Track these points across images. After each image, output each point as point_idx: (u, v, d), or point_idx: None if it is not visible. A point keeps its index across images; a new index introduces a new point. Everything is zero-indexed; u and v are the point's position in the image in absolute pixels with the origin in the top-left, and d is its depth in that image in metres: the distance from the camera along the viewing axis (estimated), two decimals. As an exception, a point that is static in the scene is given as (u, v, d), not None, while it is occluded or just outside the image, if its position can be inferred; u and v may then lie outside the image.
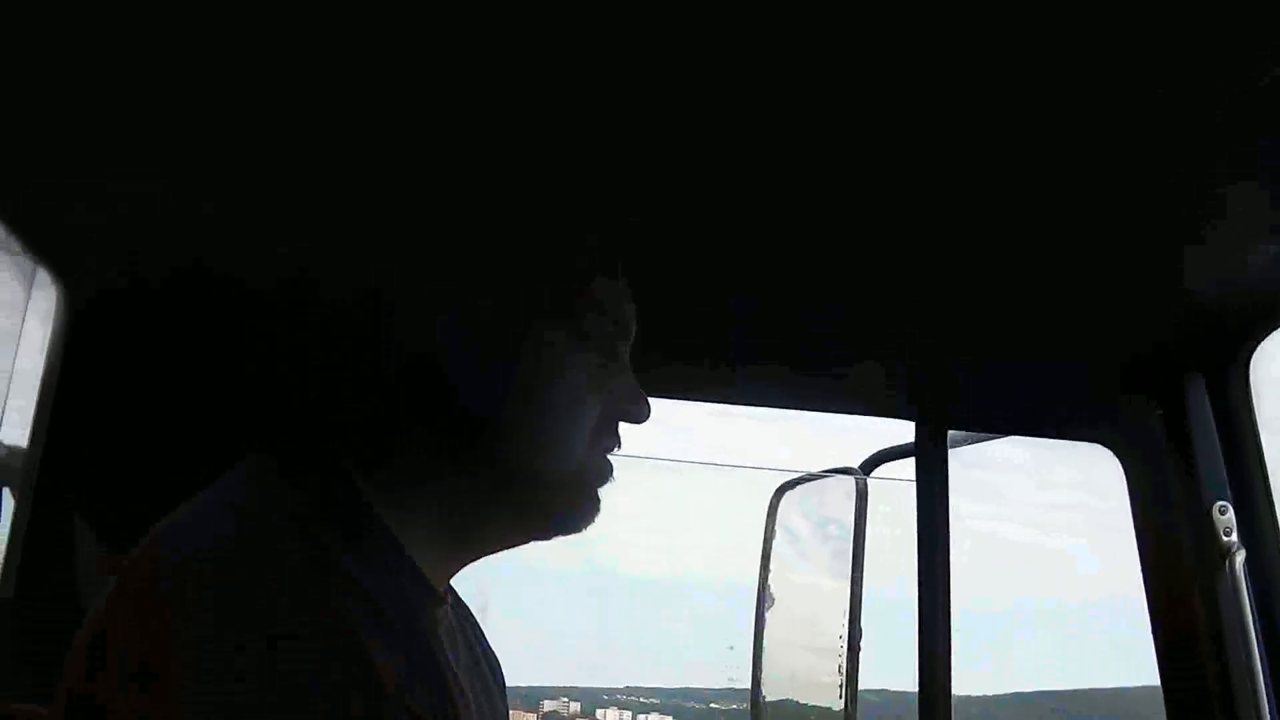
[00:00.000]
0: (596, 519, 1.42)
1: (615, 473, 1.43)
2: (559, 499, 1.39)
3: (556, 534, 1.42)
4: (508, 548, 1.45)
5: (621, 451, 1.43)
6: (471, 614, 1.65)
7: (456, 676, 1.34)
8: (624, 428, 1.43)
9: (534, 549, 1.44)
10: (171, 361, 1.96)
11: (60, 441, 1.89)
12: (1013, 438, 2.55)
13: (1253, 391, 2.20)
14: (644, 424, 1.45)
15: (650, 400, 1.44)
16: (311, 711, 1.06)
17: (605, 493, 1.40)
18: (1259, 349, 2.17)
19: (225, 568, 1.12)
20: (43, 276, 1.90)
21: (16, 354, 1.90)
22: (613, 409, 1.41)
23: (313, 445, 1.35)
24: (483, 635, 1.66)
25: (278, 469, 1.29)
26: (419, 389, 1.33)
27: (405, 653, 1.16)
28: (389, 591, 1.20)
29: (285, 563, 1.14)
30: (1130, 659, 2.37)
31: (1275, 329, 2.12)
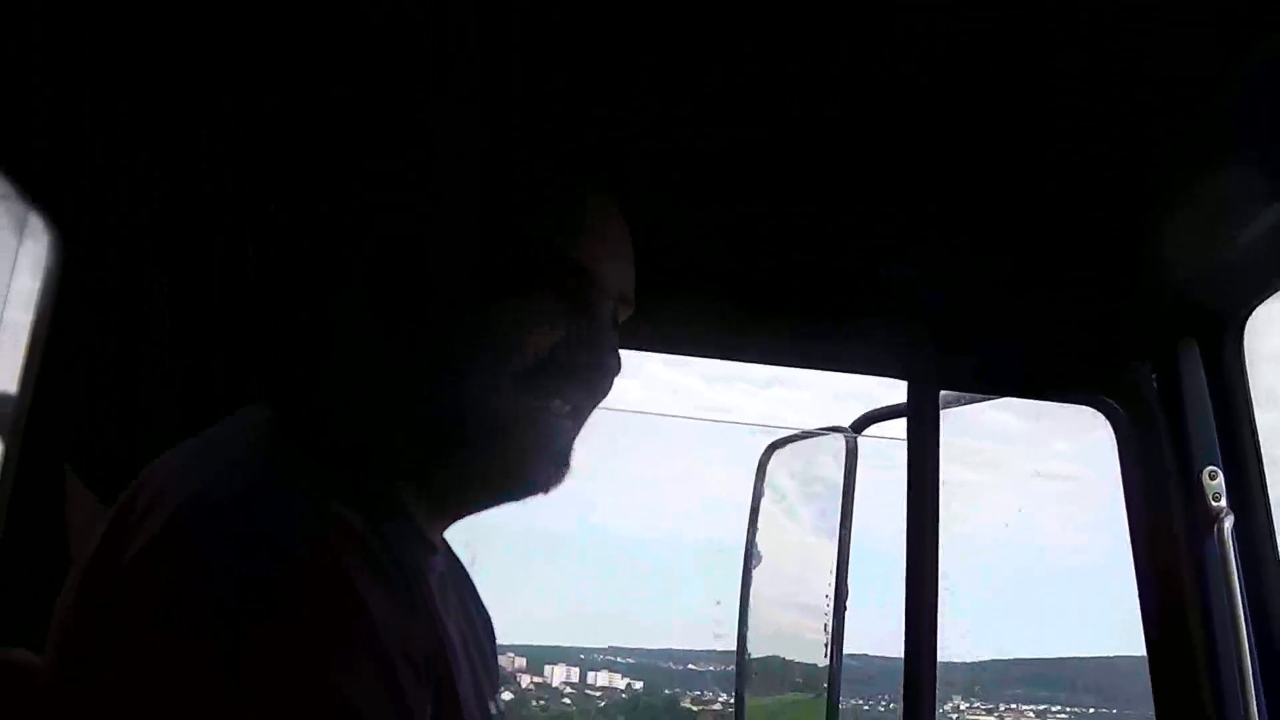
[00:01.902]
0: (559, 479, 1.43)
1: (584, 430, 1.45)
2: (502, 453, 1.40)
3: (516, 492, 1.44)
4: (489, 506, 1.49)
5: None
6: (463, 566, 1.70)
7: (445, 624, 1.38)
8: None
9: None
10: (165, 309, 1.99)
11: (50, 389, 1.92)
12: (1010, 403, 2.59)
13: (1246, 360, 2.24)
14: (616, 378, 1.46)
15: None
16: (303, 645, 1.10)
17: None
18: (1253, 316, 2.21)
19: (227, 511, 1.17)
20: (35, 222, 1.93)
21: (6, 302, 1.93)
22: (559, 358, 1.41)
23: (310, 398, 1.40)
24: (474, 587, 1.71)
25: (277, 418, 1.35)
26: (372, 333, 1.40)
27: (396, 596, 1.20)
28: (382, 535, 1.24)
29: (283, 507, 1.19)
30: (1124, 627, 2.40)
31: (1269, 296, 2.15)
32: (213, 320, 1.97)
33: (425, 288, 1.39)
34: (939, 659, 2.43)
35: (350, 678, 1.12)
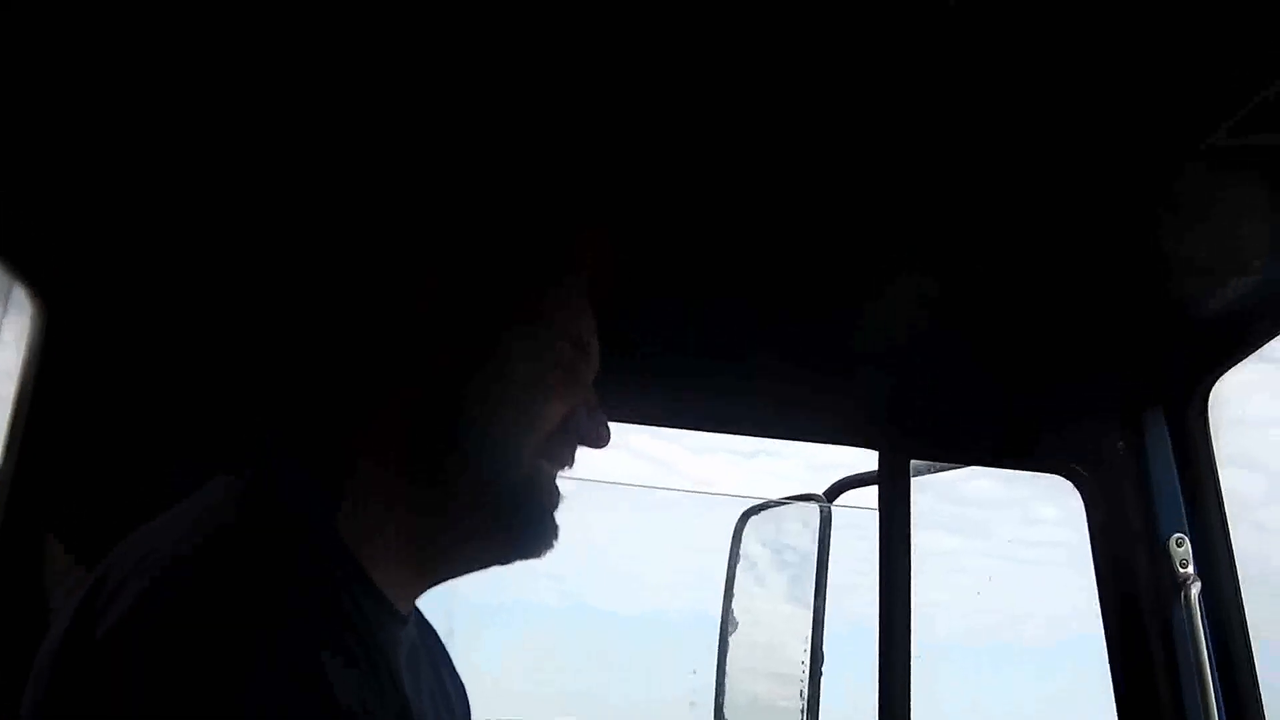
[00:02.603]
0: (554, 544, 1.48)
1: (567, 499, 1.49)
2: (515, 515, 1.45)
3: (517, 555, 1.49)
4: (471, 570, 1.52)
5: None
6: (438, 637, 1.72)
7: (411, 700, 1.39)
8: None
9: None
10: (144, 379, 2.01)
11: (34, 454, 1.94)
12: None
13: (1211, 427, 2.29)
14: (602, 448, 1.51)
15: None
16: None
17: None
18: (1218, 384, 2.26)
19: (196, 589, 1.19)
20: (19, 293, 1.95)
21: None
22: (571, 427, 1.48)
23: (281, 465, 1.43)
24: (449, 659, 1.73)
25: (246, 490, 1.37)
26: (381, 396, 1.42)
27: (359, 673, 1.23)
28: (348, 614, 1.27)
29: (250, 585, 1.20)
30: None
31: (1234, 364, 2.20)
32: (196, 386, 2.00)
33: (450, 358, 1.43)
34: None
35: None
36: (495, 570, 1.49)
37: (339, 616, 1.25)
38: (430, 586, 1.54)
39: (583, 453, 1.50)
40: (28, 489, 1.94)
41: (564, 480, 1.50)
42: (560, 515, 1.49)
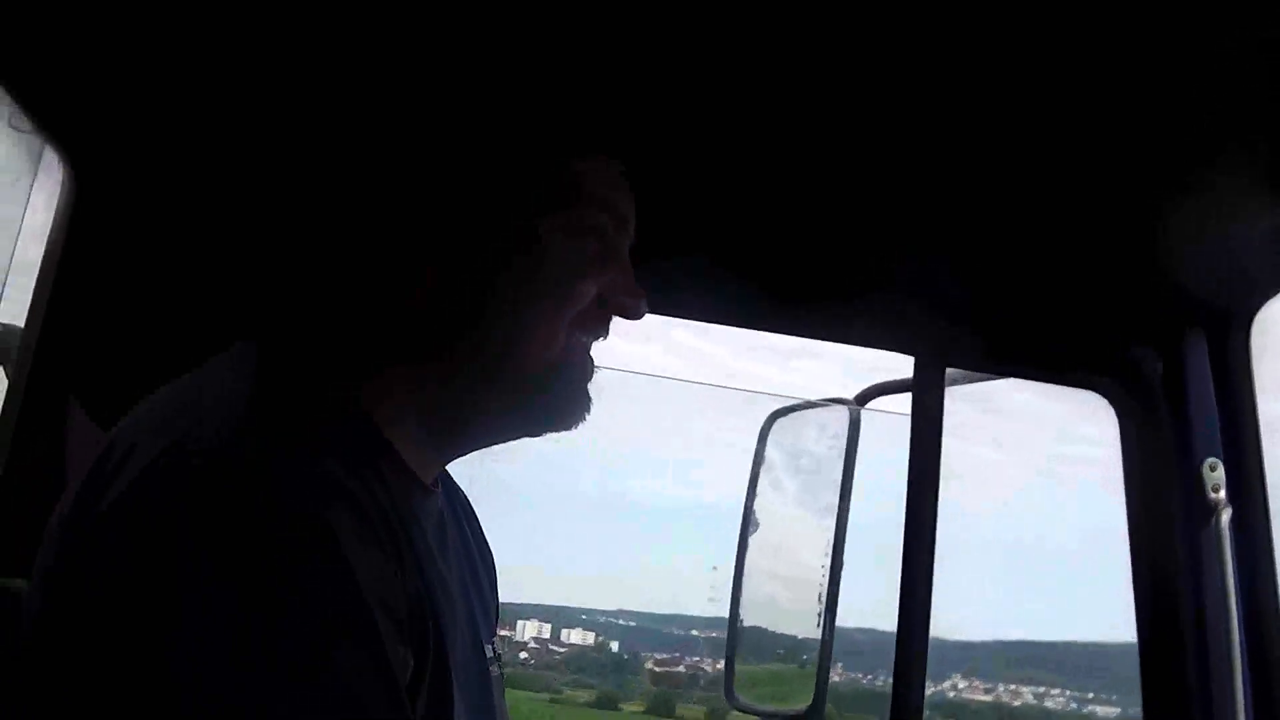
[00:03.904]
0: (587, 417, 1.52)
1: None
2: (546, 389, 1.47)
3: (547, 428, 1.52)
4: (500, 442, 1.55)
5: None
6: (466, 501, 1.76)
7: (437, 572, 1.42)
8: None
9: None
10: (174, 251, 2.04)
11: (59, 322, 1.97)
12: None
13: (1253, 353, 2.30)
14: (638, 319, 1.54)
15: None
16: (288, 609, 1.14)
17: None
18: (1263, 310, 2.26)
19: (204, 461, 1.20)
20: (50, 156, 1.97)
21: (20, 232, 1.98)
22: (607, 299, 1.51)
23: (303, 338, 1.46)
24: (478, 524, 1.77)
25: (265, 360, 1.39)
26: (411, 281, 1.43)
27: (380, 548, 1.24)
28: (372, 490, 1.28)
29: (269, 466, 1.21)
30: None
31: (1278, 293, 2.21)
32: (223, 254, 2.01)
33: (476, 223, 1.44)
34: (939, 637, 2.48)
35: (327, 634, 1.15)
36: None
37: (364, 494, 1.26)
38: (458, 457, 1.57)
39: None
40: (53, 351, 1.97)
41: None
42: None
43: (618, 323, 1.53)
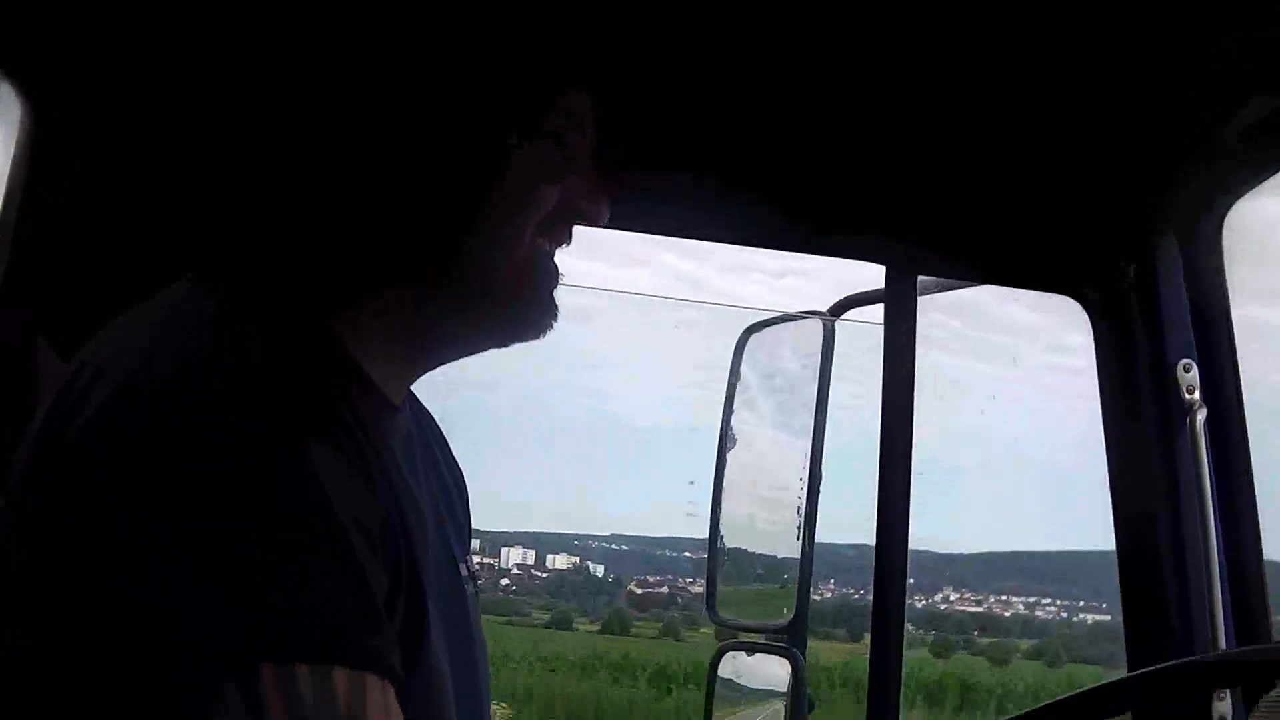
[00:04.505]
0: (553, 325, 1.52)
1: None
2: (514, 298, 1.47)
3: (516, 337, 1.53)
4: (467, 355, 1.55)
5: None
6: (433, 420, 1.76)
7: (406, 490, 1.43)
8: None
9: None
10: (137, 180, 2.03)
11: (21, 256, 1.97)
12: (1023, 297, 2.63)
13: (1225, 254, 2.31)
14: (600, 225, 1.55)
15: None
16: (260, 526, 1.14)
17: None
18: (1233, 210, 2.28)
19: (170, 384, 1.20)
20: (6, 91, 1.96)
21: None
22: (567, 205, 1.50)
23: (270, 262, 1.44)
24: (445, 444, 1.77)
25: (230, 283, 1.38)
26: (380, 203, 1.42)
27: (349, 464, 1.24)
28: (339, 409, 1.28)
29: (235, 386, 1.21)
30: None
31: (1250, 189, 2.22)
32: (187, 183, 2.01)
33: (438, 136, 1.43)
34: (931, 550, 2.51)
35: (301, 552, 1.15)
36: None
37: (331, 413, 1.26)
38: (425, 373, 1.57)
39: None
40: (16, 287, 1.97)
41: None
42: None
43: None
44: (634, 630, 28.88)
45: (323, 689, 1.12)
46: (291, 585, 1.14)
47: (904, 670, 2.53)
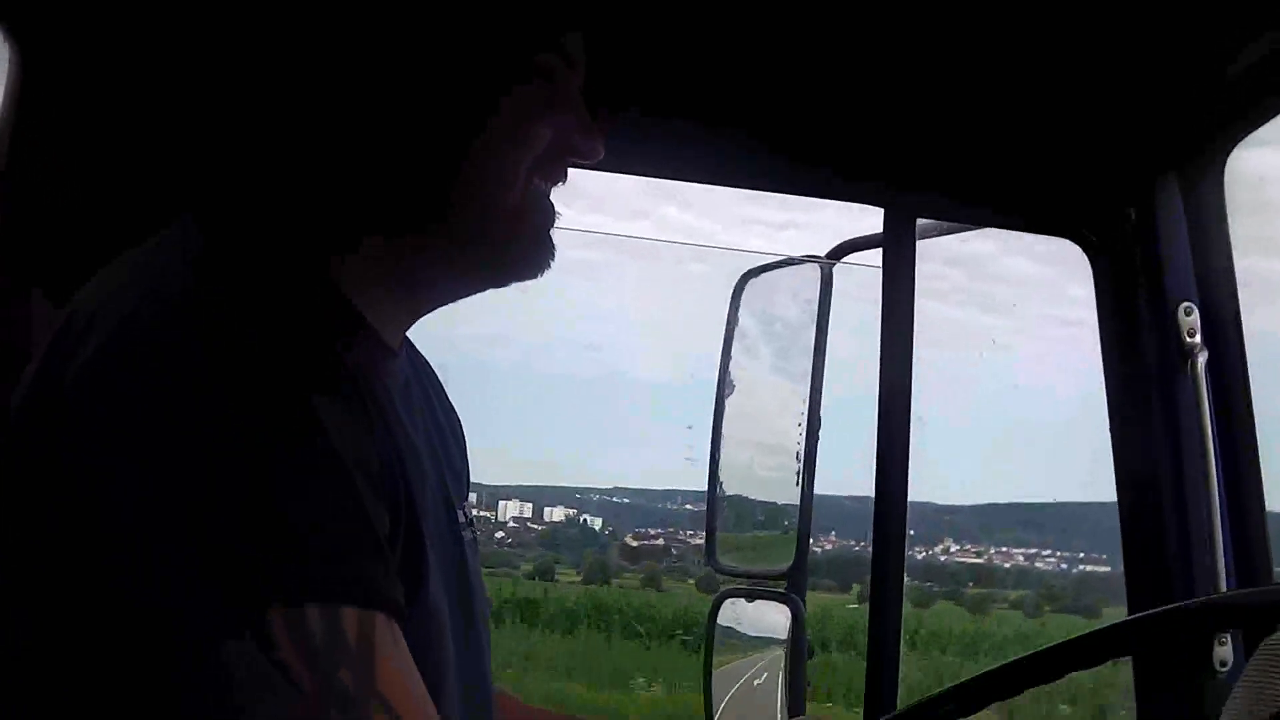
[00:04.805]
0: (550, 264, 1.52)
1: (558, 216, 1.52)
2: (511, 238, 1.49)
3: (513, 278, 1.53)
4: (464, 296, 1.56)
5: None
6: (430, 367, 1.77)
7: (405, 433, 1.43)
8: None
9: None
10: (129, 122, 2.02)
11: (13, 200, 1.96)
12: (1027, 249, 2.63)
13: (1226, 197, 2.30)
14: (595, 161, 1.54)
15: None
16: (254, 466, 1.15)
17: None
18: (1235, 152, 2.26)
19: (166, 327, 1.21)
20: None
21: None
22: (561, 142, 1.50)
23: (260, 201, 1.45)
24: (442, 390, 1.78)
25: (227, 225, 1.39)
26: (371, 142, 1.43)
27: (353, 413, 1.25)
28: (336, 352, 1.29)
29: (233, 328, 1.21)
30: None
31: (1251, 131, 2.20)
32: (180, 124, 2.00)
33: (428, 77, 1.43)
34: (930, 501, 2.51)
35: (305, 490, 1.16)
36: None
37: (328, 355, 1.27)
38: (422, 316, 1.58)
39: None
40: (7, 234, 1.97)
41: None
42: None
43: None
44: (618, 582, 29.07)
45: (332, 628, 1.13)
46: (297, 526, 1.14)
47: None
